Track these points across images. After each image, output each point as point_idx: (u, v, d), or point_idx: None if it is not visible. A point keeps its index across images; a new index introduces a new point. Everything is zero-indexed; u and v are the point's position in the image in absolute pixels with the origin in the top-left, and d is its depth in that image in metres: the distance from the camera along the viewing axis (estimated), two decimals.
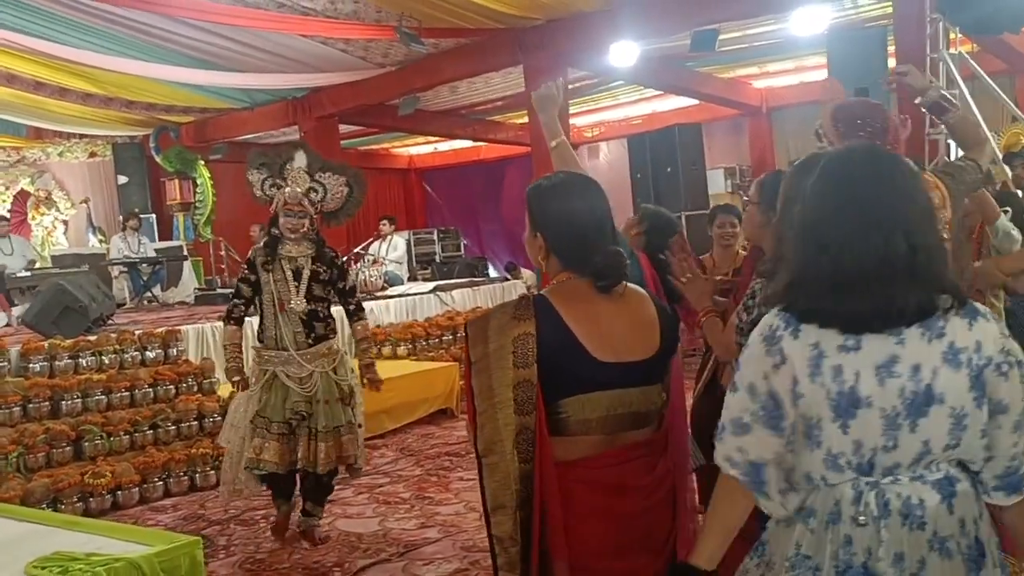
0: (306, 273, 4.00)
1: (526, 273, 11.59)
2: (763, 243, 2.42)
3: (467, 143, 16.09)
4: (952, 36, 6.84)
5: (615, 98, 13.12)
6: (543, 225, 1.84)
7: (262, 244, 4.08)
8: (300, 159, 4.07)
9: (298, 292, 3.97)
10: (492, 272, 13.99)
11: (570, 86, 10.51)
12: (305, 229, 4.03)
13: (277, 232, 4.03)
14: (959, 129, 2.59)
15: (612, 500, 1.74)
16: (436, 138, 15.99)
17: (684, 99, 12.82)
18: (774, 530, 1.57)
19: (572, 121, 12.41)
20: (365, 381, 4.23)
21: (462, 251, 14.45)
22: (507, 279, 11.38)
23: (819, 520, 1.46)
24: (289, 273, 3.98)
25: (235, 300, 4.10)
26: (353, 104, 11.28)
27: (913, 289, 1.39)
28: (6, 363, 5.50)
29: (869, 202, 1.43)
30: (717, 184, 11.98)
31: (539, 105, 2.48)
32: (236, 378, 4.05)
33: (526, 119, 11.19)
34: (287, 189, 4.00)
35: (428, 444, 6.17)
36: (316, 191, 4.07)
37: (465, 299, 9.41)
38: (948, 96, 2.54)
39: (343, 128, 12.53)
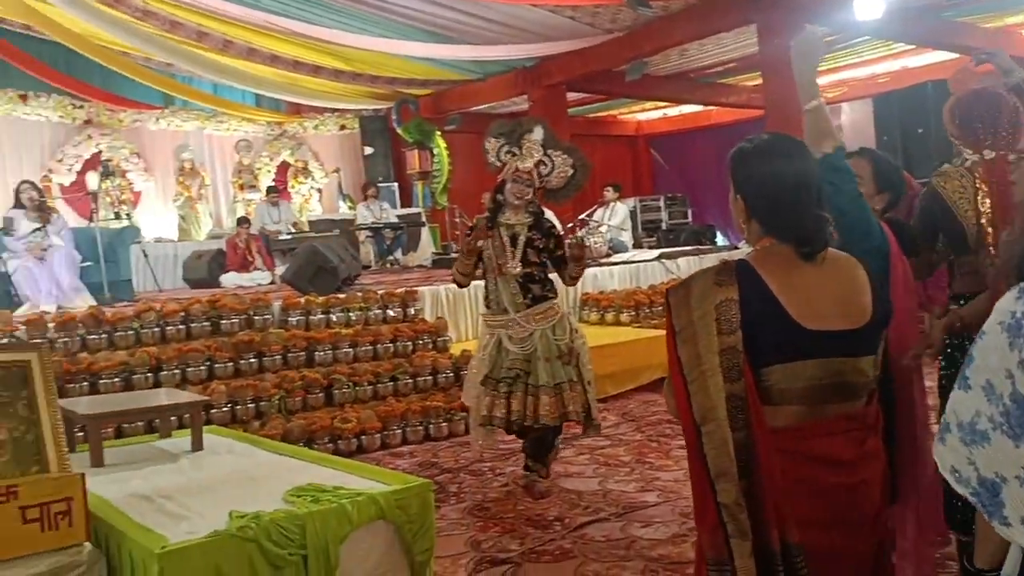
0: (522, 239, 4.19)
1: None
2: None
3: (697, 107, 15.69)
4: None
5: (859, 55, 12.22)
6: (743, 187, 1.79)
7: (488, 209, 4.28)
8: (538, 133, 4.27)
9: (514, 257, 4.16)
10: (721, 240, 13.63)
11: None
12: (529, 197, 4.22)
13: (502, 198, 4.22)
14: None
15: (812, 472, 1.67)
16: (664, 103, 15.73)
17: (939, 53, 11.68)
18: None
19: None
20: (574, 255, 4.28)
21: (689, 218, 14.18)
22: (736, 247, 11.04)
23: None
24: (506, 239, 4.18)
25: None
26: (581, 71, 11.34)
27: None
28: (270, 316, 6.14)
29: None
30: None
31: (798, 58, 2.31)
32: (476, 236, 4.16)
33: (759, 80, 10.72)
34: (521, 158, 4.18)
35: (649, 411, 6.17)
36: (545, 165, 4.26)
37: (691, 267, 9.26)
38: None
39: (570, 96, 12.63)
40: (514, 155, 4.22)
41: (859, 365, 1.71)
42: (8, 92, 11.22)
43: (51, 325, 5.43)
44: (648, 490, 4.27)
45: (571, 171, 4.32)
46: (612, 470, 4.69)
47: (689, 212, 14.39)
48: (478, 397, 4.24)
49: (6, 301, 6.51)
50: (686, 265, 9.33)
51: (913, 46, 11.45)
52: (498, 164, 4.27)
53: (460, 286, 4.51)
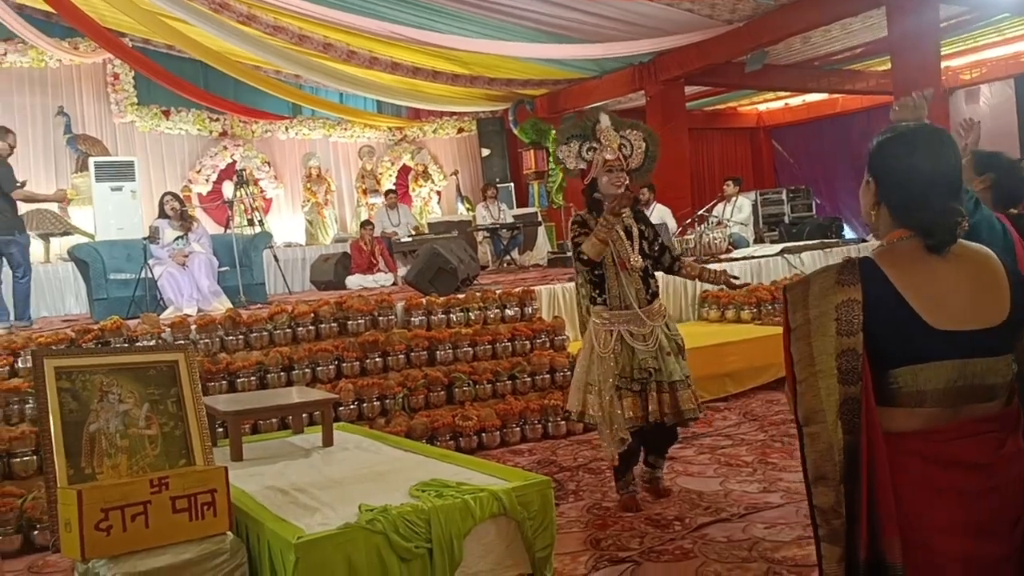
0: (635, 232, 4.12)
1: None
2: None
3: (821, 96, 15.16)
4: None
5: (1000, 33, 11.51)
6: (877, 169, 1.74)
7: (587, 209, 4.17)
8: (605, 120, 4.19)
9: (634, 250, 4.08)
10: (848, 233, 13.11)
11: (943, 23, 9.42)
12: (627, 182, 4.11)
13: (598, 195, 4.14)
14: None
15: (951, 476, 1.60)
16: (786, 93, 15.27)
17: None
18: None
19: (945, 63, 11.14)
20: (728, 280, 4.30)
21: (813, 211, 13.70)
22: (864, 240, 10.60)
23: None
24: (622, 233, 4.09)
25: (577, 252, 4.09)
26: (699, 64, 11.15)
27: None
28: (393, 316, 6.33)
29: None
30: None
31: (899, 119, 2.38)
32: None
33: (889, 65, 10.24)
34: (603, 148, 4.11)
35: (772, 410, 6.02)
36: (625, 147, 4.18)
37: (815, 262, 8.96)
38: None
39: (688, 89, 12.45)
40: (595, 149, 4.13)
41: (996, 365, 1.63)
42: (153, 108, 12.02)
43: (193, 327, 5.78)
44: (771, 491, 4.17)
45: (644, 145, 4.23)
46: (733, 470, 4.61)
47: (813, 205, 13.90)
48: (611, 399, 3.98)
49: (152, 305, 6.98)
50: (810, 260, 9.03)
51: None
52: (582, 166, 4.18)
53: (591, 261, 4.06)
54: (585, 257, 3.98)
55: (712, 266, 4.27)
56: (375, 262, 10.21)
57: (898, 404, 1.62)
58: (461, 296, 6.68)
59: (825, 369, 1.62)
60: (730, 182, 10.80)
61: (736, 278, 4.41)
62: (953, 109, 12.98)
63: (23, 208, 7.17)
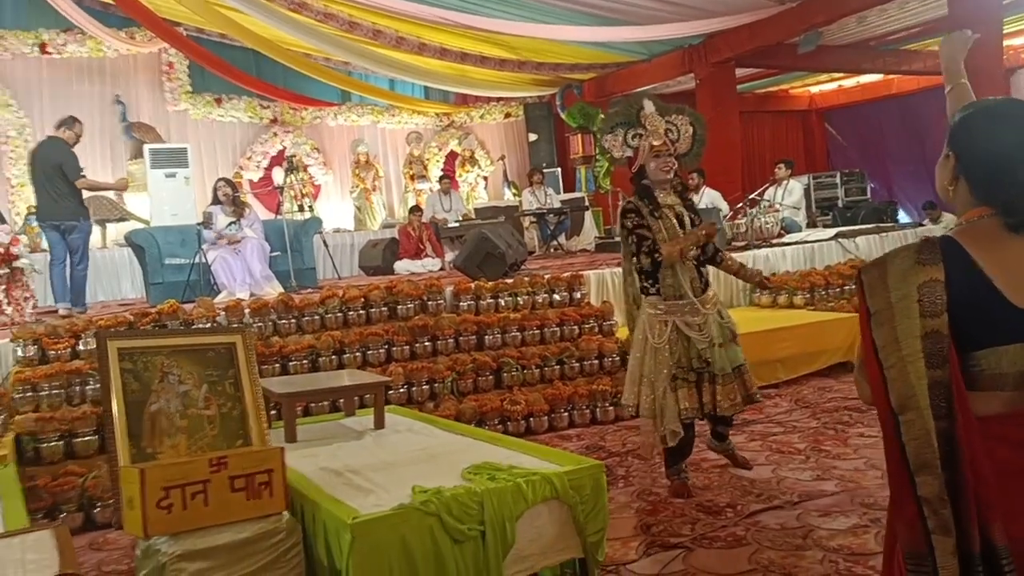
0: (687, 220, 4.06)
1: (947, 216, 10.44)
2: None
3: (876, 77, 14.79)
4: None
5: None
6: (958, 144, 1.68)
7: (636, 196, 4.09)
8: (649, 106, 4.13)
9: None
10: (903, 217, 12.83)
11: (1005, 0, 9.12)
12: (676, 167, 4.07)
13: (647, 182, 4.08)
14: None
15: None
16: (840, 75, 14.94)
17: None
18: None
19: (1007, 42, 10.79)
20: (761, 281, 4.44)
21: (868, 195, 13.42)
22: (921, 224, 10.36)
23: None
24: (674, 221, 4.02)
25: (646, 246, 3.99)
26: (751, 46, 10.95)
27: None
28: (443, 301, 6.36)
29: None
30: None
31: (946, 51, 2.34)
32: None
33: None
34: (650, 134, 4.06)
35: (825, 397, 5.93)
36: (672, 131, 4.13)
37: (871, 246, 8.78)
38: None
39: (739, 72, 12.24)
40: (641, 136, 4.09)
41: None
42: (206, 96, 12.22)
43: (247, 311, 5.88)
44: (825, 479, 4.11)
45: (691, 129, 4.18)
46: (786, 458, 4.55)
47: (868, 188, 13.60)
48: (664, 391, 3.96)
49: (206, 289, 7.11)
50: (865, 244, 8.85)
51: None
52: (628, 154, 4.14)
53: (667, 262, 3.99)
54: (659, 258, 3.97)
55: (743, 255, 4.20)
56: (423, 247, 10.26)
57: (979, 388, 1.57)
58: (509, 281, 6.68)
59: (912, 353, 1.56)
60: (782, 165, 10.63)
61: (768, 279, 4.44)
62: (1015, 89, 12.58)
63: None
